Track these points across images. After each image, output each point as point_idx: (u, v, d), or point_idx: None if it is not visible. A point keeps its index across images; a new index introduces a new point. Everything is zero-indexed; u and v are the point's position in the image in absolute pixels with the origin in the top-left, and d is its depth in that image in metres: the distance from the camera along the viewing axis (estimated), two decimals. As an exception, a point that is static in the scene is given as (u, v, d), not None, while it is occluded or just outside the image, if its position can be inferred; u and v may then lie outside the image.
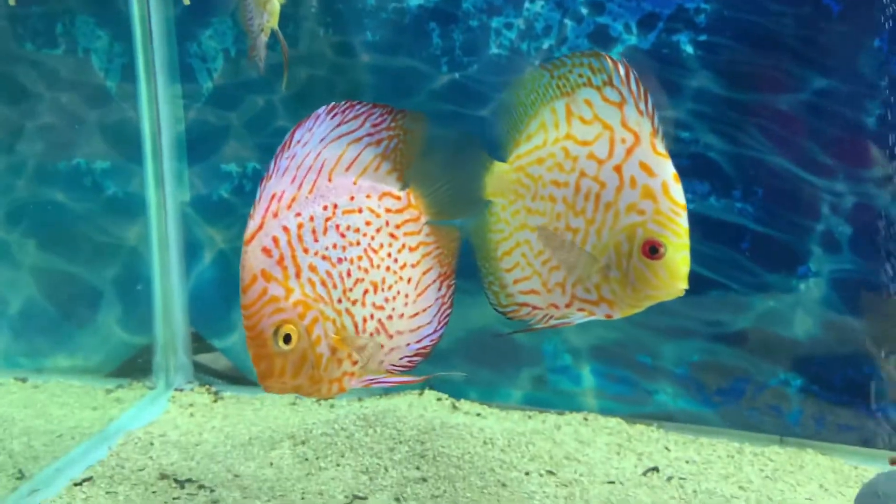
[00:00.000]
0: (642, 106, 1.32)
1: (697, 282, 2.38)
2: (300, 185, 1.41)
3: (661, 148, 1.32)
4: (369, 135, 1.48)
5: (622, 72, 1.32)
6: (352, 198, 1.47)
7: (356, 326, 1.45)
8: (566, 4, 2.32)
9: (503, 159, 1.55)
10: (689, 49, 2.28)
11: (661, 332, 2.43)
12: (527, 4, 2.35)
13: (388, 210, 1.50)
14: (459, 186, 1.54)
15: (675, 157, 2.31)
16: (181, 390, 2.67)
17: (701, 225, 2.35)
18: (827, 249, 2.26)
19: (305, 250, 1.40)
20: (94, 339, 2.74)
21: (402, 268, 1.51)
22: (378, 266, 1.48)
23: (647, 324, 2.44)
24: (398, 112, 1.50)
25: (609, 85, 1.34)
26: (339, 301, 1.43)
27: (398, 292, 1.51)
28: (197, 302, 2.70)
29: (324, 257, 1.42)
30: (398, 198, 1.52)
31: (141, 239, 2.68)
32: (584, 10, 2.32)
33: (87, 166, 2.66)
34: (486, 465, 2.18)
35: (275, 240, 1.38)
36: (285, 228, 1.39)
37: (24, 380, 2.68)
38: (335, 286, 1.42)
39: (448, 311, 1.57)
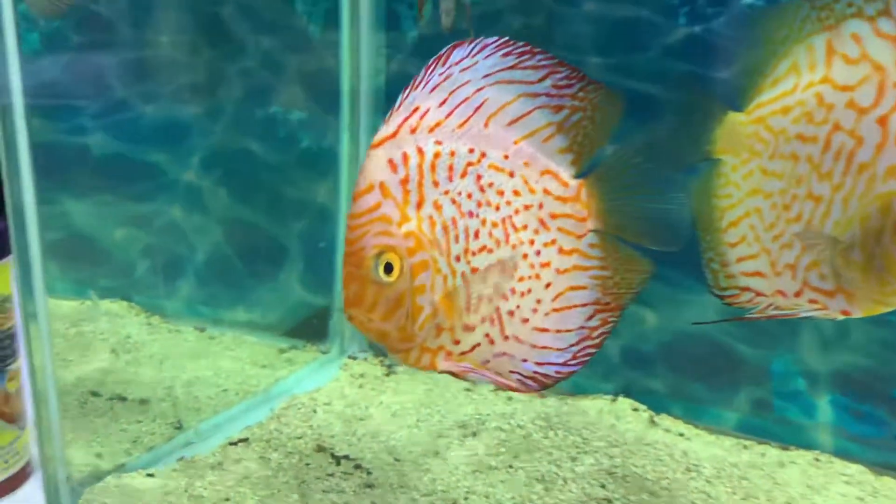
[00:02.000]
0: None
1: None
2: (449, 113, 1.20)
3: None
4: (548, 95, 1.24)
5: None
6: (506, 156, 1.24)
7: (468, 300, 1.22)
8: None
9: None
10: None
11: (932, 365, 1.92)
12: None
13: (546, 191, 1.26)
14: (663, 204, 1.26)
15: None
16: (354, 358, 2.49)
17: None
18: None
19: (436, 183, 1.20)
20: (274, 296, 2.63)
21: (543, 266, 1.26)
22: (514, 246, 1.24)
23: (915, 351, 1.94)
24: (592, 82, 1.25)
25: (886, 15, 1.08)
26: (458, 259, 1.21)
27: (529, 290, 1.26)
28: (380, 268, 2.50)
29: (453, 201, 1.21)
30: (565, 184, 1.27)
31: (331, 195, 2.52)
32: None
33: (284, 116, 2.54)
34: (687, 496, 1.81)
35: (405, 156, 1.18)
36: (420, 150, 1.19)
37: (202, 329, 2.62)
38: (457, 239, 1.21)
39: (591, 351, 1.29)
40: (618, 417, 2.16)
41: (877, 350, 1.98)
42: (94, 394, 2.16)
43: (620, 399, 2.24)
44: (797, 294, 1.19)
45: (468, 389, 2.32)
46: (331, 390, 2.31)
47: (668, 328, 2.20)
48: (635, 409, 2.21)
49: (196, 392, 2.24)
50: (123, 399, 2.16)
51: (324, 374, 2.40)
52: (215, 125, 2.59)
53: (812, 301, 1.18)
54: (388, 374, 2.41)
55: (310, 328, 2.56)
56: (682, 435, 2.12)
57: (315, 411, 2.17)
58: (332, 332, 2.53)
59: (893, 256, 1.07)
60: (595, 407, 2.21)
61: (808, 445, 2.06)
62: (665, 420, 2.17)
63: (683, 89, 1.40)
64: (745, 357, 2.13)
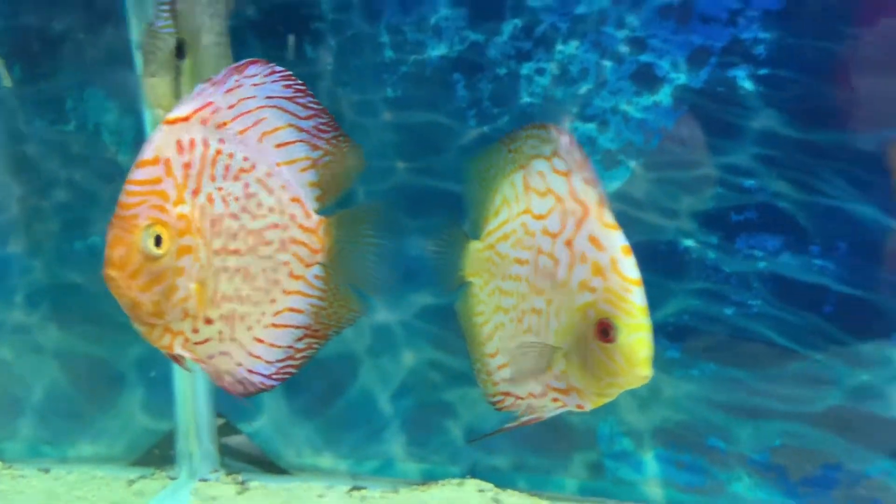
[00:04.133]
0: (587, 174, 1.27)
1: (775, 353, 2.06)
2: (235, 118, 1.30)
3: (609, 219, 1.25)
4: (310, 133, 1.39)
5: (566, 141, 1.30)
6: (269, 174, 1.35)
7: (215, 294, 1.31)
8: (604, 44, 2.06)
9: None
10: (749, 85, 1.97)
11: (736, 412, 2.10)
12: (559, 47, 2.09)
13: (292, 217, 1.38)
14: (381, 260, 1.43)
15: (740, 208, 2.03)
16: (206, 480, 2.47)
17: (774, 286, 2.02)
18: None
19: (213, 178, 1.29)
20: (117, 424, 2.57)
21: (273, 283, 1.38)
22: (259, 258, 1.35)
23: (719, 402, 2.11)
24: (344, 135, 1.41)
25: (557, 155, 1.31)
26: (216, 254, 1.30)
27: (258, 302, 1.37)
28: (222, 383, 2.50)
29: (224, 199, 1.30)
30: (308, 215, 1.40)
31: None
32: (625, 49, 2.05)
33: (104, 245, 2.51)
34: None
35: (192, 143, 1.26)
36: (206, 142, 1.27)
37: (46, 470, 2.54)
38: (219, 235, 1.30)
39: (290, 371, 1.41)
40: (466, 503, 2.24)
41: (688, 404, 2.15)
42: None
43: (468, 481, 2.32)
44: (542, 395, 1.34)
45: (322, 496, 2.35)
46: (183, 518, 2.28)
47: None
48: (481, 491, 2.29)
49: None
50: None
51: (174, 503, 2.37)
52: (35, 261, 2.54)
53: (554, 400, 1.33)
54: (241, 493, 2.40)
55: (156, 455, 2.52)
56: (527, 508, 2.22)
57: (166, 545, 2.13)
58: (179, 456, 2.50)
59: (597, 356, 1.23)
60: (442, 494, 2.28)
61: (643, 500, 2.20)
62: (511, 497, 2.27)
63: (443, 216, 1.53)
64: (575, 424, 2.25)
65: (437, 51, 2.20)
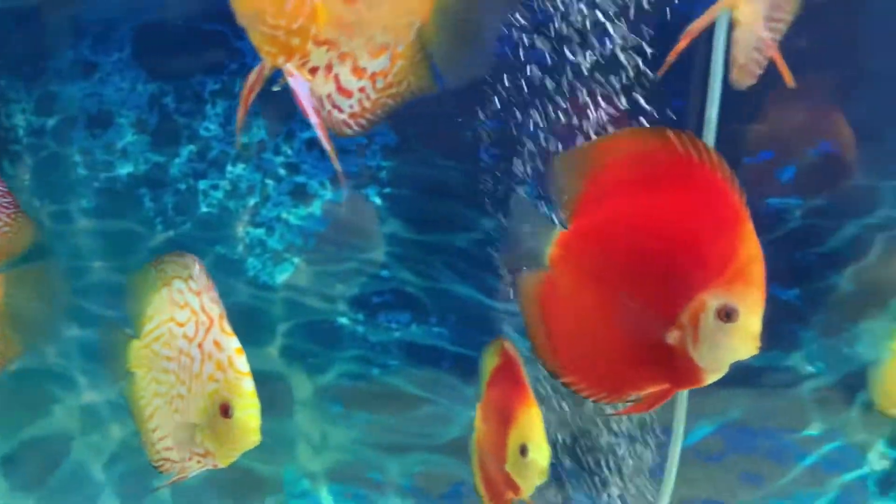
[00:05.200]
0: (213, 294, 1.59)
1: (411, 400, 2.67)
2: None
3: (227, 328, 1.59)
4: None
5: (197, 267, 1.61)
6: None
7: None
8: (265, 166, 2.56)
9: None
10: (378, 200, 2.58)
11: (386, 449, 2.68)
12: (229, 168, 2.57)
13: None
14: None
15: (380, 292, 2.62)
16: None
17: (407, 349, 2.64)
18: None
19: None
20: None
21: None
22: None
23: (373, 443, 2.68)
24: (21, 212, 1.63)
25: (192, 279, 1.62)
26: None
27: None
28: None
29: None
30: None
31: None
32: (283, 171, 2.57)
33: None
34: None
35: None
36: None
37: None
38: None
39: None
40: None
41: (351, 447, 2.70)
42: None
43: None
44: (189, 458, 1.67)
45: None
46: None
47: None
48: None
49: None
50: None
51: None
52: None
53: (198, 462, 1.66)
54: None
55: None
56: (226, 549, 2.65)
57: None
58: None
59: (222, 429, 1.56)
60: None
61: (322, 528, 2.72)
62: (212, 541, 2.68)
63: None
64: (264, 473, 2.72)
65: (125, 169, 2.58)
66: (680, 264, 1.16)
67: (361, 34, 1.32)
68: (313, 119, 1.29)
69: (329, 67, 1.31)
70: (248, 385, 1.58)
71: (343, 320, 2.64)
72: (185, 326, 1.65)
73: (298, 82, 1.27)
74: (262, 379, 2.66)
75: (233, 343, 1.60)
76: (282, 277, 2.61)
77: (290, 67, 1.26)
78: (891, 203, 2.47)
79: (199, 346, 1.61)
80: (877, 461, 2.58)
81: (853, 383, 2.48)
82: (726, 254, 1.14)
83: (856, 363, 2.45)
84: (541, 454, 1.64)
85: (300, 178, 2.56)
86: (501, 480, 1.73)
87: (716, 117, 2.08)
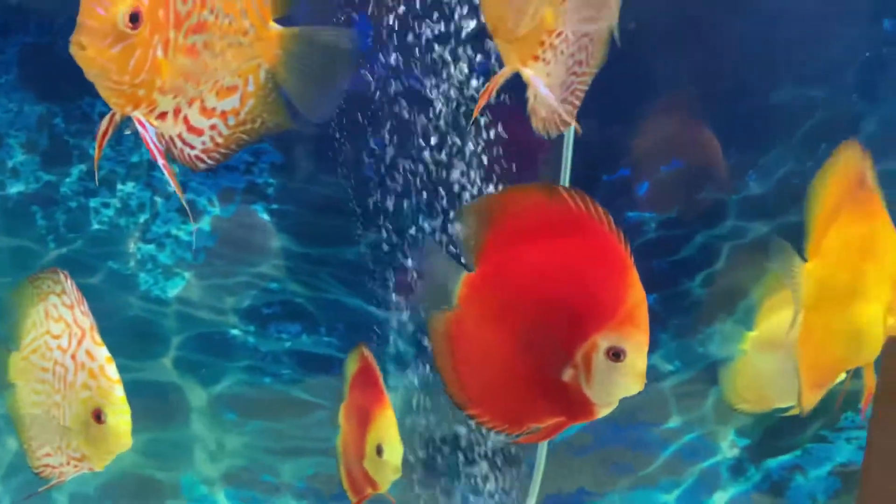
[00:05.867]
0: (84, 307, 1.70)
1: (304, 406, 2.80)
2: None
3: (98, 338, 1.68)
4: None
5: (69, 283, 1.70)
6: None
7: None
8: (154, 184, 2.65)
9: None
10: (266, 216, 2.69)
11: (279, 454, 2.80)
12: (119, 186, 2.65)
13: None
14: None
15: (269, 304, 2.73)
16: None
17: (298, 358, 2.77)
18: (399, 366, 2.76)
19: None
20: None
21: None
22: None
23: (266, 448, 2.80)
24: None
25: (64, 293, 1.71)
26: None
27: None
28: None
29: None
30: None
31: None
32: (171, 188, 2.65)
33: None
34: None
35: None
36: None
37: None
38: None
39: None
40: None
41: (245, 452, 2.81)
42: None
43: (73, 541, 2.78)
44: (67, 463, 1.74)
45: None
46: None
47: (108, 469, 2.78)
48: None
49: None
50: None
51: None
52: None
53: (74, 466, 1.73)
54: None
55: None
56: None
57: None
58: None
59: (97, 434, 1.64)
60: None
61: (221, 532, 2.82)
62: (110, 547, 2.77)
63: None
64: (163, 480, 2.82)
65: (16, 188, 2.64)
66: (574, 308, 1.27)
67: (208, 80, 1.42)
68: (159, 161, 1.38)
69: (177, 111, 1.41)
70: (118, 392, 1.69)
71: (235, 332, 2.75)
72: (59, 339, 1.74)
73: (146, 128, 1.36)
74: (158, 389, 2.80)
75: (103, 353, 1.71)
76: (173, 291, 2.70)
77: (137, 115, 1.34)
78: (735, 215, 2.71)
79: (73, 356, 1.71)
80: (728, 450, 2.83)
81: (707, 379, 2.71)
82: (616, 299, 1.25)
83: (708, 361, 2.68)
84: (395, 454, 1.80)
85: (188, 195, 2.66)
86: (361, 476, 1.88)
87: (573, 137, 2.27)
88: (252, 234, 2.69)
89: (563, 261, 1.30)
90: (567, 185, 2.61)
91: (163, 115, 1.39)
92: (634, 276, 1.26)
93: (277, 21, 1.47)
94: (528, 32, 1.27)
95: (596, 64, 1.49)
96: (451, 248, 2.65)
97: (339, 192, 2.67)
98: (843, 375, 1.74)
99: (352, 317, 2.74)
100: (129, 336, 2.73)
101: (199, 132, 1.48)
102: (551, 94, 1.30)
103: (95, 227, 2.67)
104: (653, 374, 2.88)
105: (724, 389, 2.28)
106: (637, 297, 1.25)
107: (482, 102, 1.33)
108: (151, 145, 1.37)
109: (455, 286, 1.36)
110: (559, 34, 1.32)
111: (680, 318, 2.72)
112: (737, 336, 2.20)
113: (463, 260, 1.36)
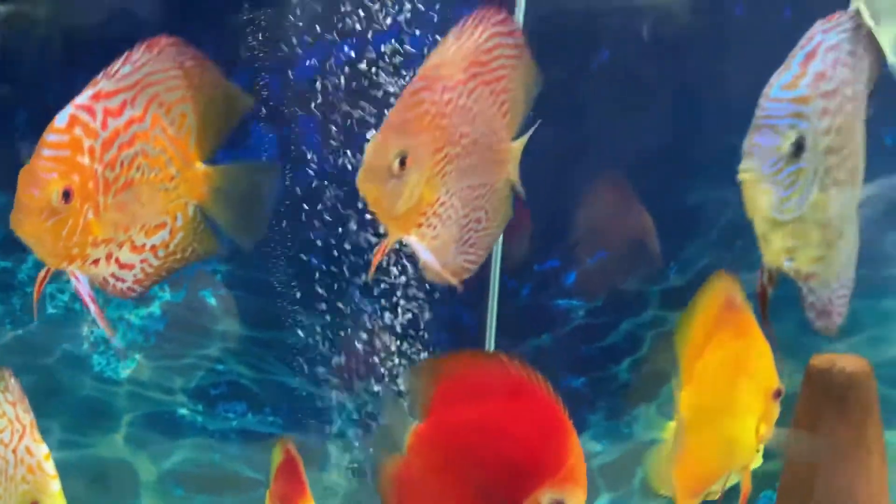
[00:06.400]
0: (25, 405, 1.76)
1: (248, 483, 2.90)
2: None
3: (37, 436, 1.77)
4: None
5: (13, 380, 1.77)
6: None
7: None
8: (108, 271, 2.79)
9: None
10: (213, 301, 2.83)
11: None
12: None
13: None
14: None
15: (217, 384, 2.86)
16: None
17: (243, 437, 2.89)
18: (340, 444, 2.89)
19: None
20: None
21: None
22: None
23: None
24: None
25: (7, 390, 1.78)
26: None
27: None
28: None
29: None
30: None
31: None
32: (124, 275, 2.79)
33: None
34: None
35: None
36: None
37: None
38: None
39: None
40: None
41: None
42: None
43: None
44: None
45: None
46: None
47: None
48: None
49: None
50: None
51: None
52: None
53: None
54: None
55: None
56: None
57: None
58: None
59: None
60: None
61: None
62: None
63: None
64: None
65: (-26, 274, 2.77)
66: (518, 466, 1.37)
67: (136, 225, 1.54)
68: (92, 309, 1.50)
69: (109, 255, 1.53)
70: (55, 486, 1.80)
71: (183, 411, 2.86)
72: (2, 433, 1.83)
73: (79, 280, 1.49)
74: (110, 465, 2.90)
75: (42, 449, 1.80)
76: (125, 372, 2.82)
77: (72, 269, 1.48)
78: (656, 305, 2.85)
79: (14, 451, 1.80)
80: (654, 527, 2.94)
81: (633, 459, 2.83)
82: (558, 458, 1.36)
83: (635, 442, 2.81)
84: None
85: (141, 282, 2.79)
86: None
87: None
88: (200, 318, 2.82)
89: (507, 422, 1.39)
90: (498, 274, 2.77)
91: (96, 262, 1.51)
92: (574, 438, 1.37)
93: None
94: (408, 209, 1.38)
95: (501, 217, 1.58)
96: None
97: (284, 279, 2.81)
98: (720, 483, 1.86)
99: (295, 397, 2.86)
100: (82, 414, 2.85)
101: (130, 267, 1.60)
102: (433, 257, 1.42)
103: (51, 311, 2.79)
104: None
105: (649, 474, 2.39)
106: (576, 456, 1.36)
107: (375, 263, 1.46)
108: (85, 296, 1.50)
109: (404, 434, 1.44)
110: (443, 203, 1.43)
111: (607, 401, 2.85)
112: (658, 423, 2.31)
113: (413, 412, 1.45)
